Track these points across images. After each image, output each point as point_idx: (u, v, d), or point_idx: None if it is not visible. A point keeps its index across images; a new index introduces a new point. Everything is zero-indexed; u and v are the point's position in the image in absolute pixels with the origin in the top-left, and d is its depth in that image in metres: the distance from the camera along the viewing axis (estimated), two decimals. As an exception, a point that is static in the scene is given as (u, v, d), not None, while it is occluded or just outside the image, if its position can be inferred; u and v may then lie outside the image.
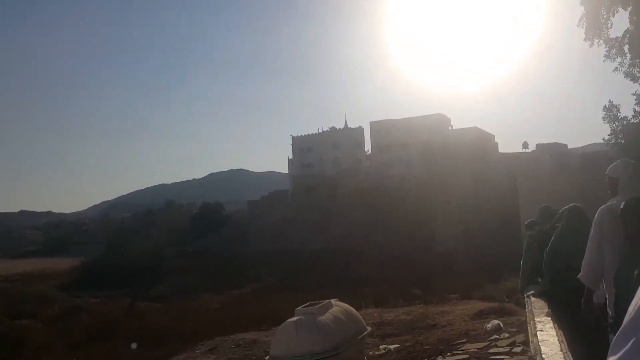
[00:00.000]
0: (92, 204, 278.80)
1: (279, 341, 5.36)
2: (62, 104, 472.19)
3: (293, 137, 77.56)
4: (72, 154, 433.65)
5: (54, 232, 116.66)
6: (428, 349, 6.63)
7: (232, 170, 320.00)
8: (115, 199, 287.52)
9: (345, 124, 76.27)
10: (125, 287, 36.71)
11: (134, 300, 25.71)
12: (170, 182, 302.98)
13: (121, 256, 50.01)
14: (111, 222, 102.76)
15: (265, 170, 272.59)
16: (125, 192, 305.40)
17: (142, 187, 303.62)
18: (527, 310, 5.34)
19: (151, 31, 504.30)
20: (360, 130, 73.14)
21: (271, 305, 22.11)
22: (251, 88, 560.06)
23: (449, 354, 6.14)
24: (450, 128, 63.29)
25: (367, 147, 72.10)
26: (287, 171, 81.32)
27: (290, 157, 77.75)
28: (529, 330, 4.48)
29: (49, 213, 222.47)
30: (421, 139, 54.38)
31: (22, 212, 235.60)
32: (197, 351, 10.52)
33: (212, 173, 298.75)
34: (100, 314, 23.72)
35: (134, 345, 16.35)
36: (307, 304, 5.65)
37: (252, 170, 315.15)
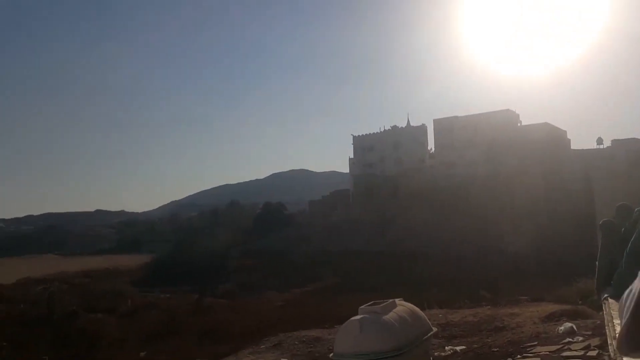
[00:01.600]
0: (162, 204, 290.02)
1: (342, 339, 5.31)
2: (135, 107, 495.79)
3: (354, 137, 77.36)
4: (143, 156, 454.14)
5: (126, 231, 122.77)
6: (497, 351, 6.39)
7: (293, 170, 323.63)
8: (182, 198, 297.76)
9: (408, 122, 75.17)
10: (192, 283, 37.99)
11: (201, 296, 26.53)
12: (234, 183, 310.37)
13: (189, 254, 51.81)
14: (179, 221, 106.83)
15: (327, 170, 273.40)
16: (192, 192, 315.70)
17: (208, 188, 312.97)
18: (604, 312, 5.04)
19: (218, 34, 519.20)
20: (423, 128, 71.89)
21: (333, 304, 22.15)
22: (313, 88, 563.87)
23: (519, 356, 5.89)
24: (518, 124, 60.95)
25: (430, 145, 70.83)
26: (348, 171, 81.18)
27: (352, 156, 77.57)
28: (608, 334, 4.21)
29: (122, 212, 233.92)
30: (487, 136, 52.82)
31: (98, 212, 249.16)
32: (262, 347, 10.67)
33: (274, 173, 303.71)
34: (169, 310, 24.61)
35: None
36: (371, 302, 5.57)
37: (314, 170, 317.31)
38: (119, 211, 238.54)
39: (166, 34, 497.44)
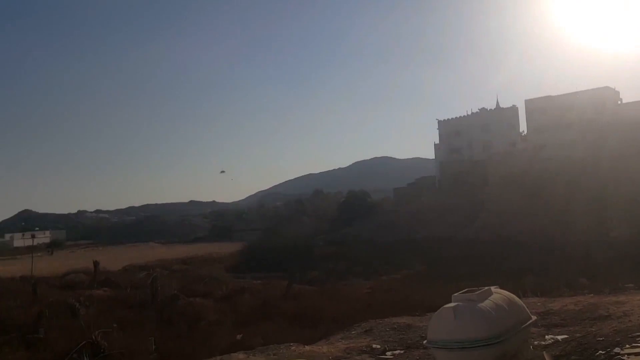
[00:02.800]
0: (249, 194, 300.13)
1: (436, 326, 5.24)
2: (220, 101, 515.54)
3: (439, 121, 75.46)
4: (231, 149, 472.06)
5: (218, 220, 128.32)
6: (602, 340, 6.00)
7: (376, 157, 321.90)
8: (269, 188, 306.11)
9: (497, 104, 72.08)
10: (280, 270, 39.08)
11: (290, 282, 27.26)
12: (317, 172, 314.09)
13: (276, 242, 53.31)
14: (266, 210, 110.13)
15: (411, 157, 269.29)
16: (277, 182, 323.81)
17: (292, 178, 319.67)
18: None
19: (300, 24, 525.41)
20: (513, 110, 68.64)
21: (422, 292, 21.89)
22: (396, 73, 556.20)
23: (627, 345, 5.50)
24: (619, 102, 56.54)
25: (522, 128, 67.59)
26: (433, 157, 79.44)
27: (437, 142, 75.77)
28: None
29: (213, 203, 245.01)
30: (584, 116, 49.52)
31: (192, 202, 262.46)
32: (353, 332, 10.76)
33: (357, 161, 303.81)
34: (261, 295, 25.53)
35: None
36: (465, 290, 5.43)
37: (397, 157, 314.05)
38: (210, 201, 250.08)
39: (248, 25, 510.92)
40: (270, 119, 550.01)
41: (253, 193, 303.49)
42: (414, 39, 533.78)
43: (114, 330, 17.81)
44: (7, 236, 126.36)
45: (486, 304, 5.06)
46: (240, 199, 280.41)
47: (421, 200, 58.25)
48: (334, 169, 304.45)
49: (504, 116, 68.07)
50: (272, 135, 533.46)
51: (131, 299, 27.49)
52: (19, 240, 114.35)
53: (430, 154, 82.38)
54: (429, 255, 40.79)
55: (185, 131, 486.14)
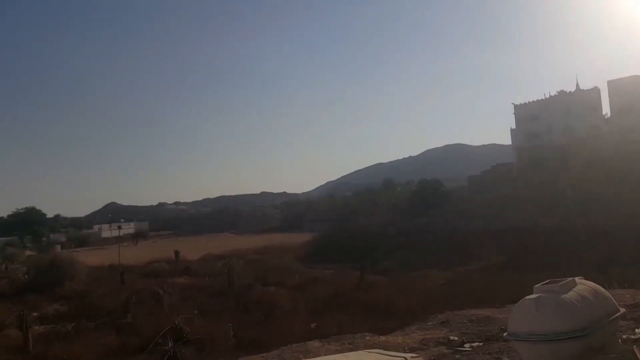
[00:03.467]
0: (319, 185, 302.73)
1: (517, 318, 5.06)
2: (292, 95, 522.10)
3: (515, 106, 72.33)
4: (301, 140, 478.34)
5: (289, 211, 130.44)
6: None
7: (449, 145, 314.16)
8: (338, 179, 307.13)
9: (577, 86, 68.05)
10: (352, 260, 39.10)
11: (363, 273, 27.25)
12: (386, 161, 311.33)
13: (347, 232, 53.41)
14: (336, 201, 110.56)
15: (485, 144, 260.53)
16: (346, 173, 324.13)
17: (361, 167, 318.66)
18: None
19: (366, 11, 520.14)
20: (595, 91, 64.58)
21: (501, 283, 21.20)
22: (467, 57, 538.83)
23: None
24: None
25: (605, 110, 63.51)
26: (509, 143, 76.36)
27: (513, 127, 72.75)
28: None
29: (284, 194, 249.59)
30: (676, 94, 45.62)
31: (263, 194, 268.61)
32: (428, 323, 10.62)
33: (429, 149, 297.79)
34: (333, 285, 25.73)
35: None
36: (547, 281, 5.21)
37: (471, 144, 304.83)
38: (281, 192, 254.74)
39: (315, 19, 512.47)
40: (340, 108, 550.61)
41: (322, 183, 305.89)
42: (488, 23, 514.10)
43: (195, 316, 18.62)
44: (96, 227, 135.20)
45: (570, 295, 4.83)
46: (310, 189, 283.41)
47: (497, 189, 56.21)
48: (404, 158, 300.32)
49: (585, 98, 64.22)
50: (341, 125, 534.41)
51: (210, 287, 28.64)
52: (107, 231, 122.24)
53: (506, 140, 79.39)
54: (507, 245, 39.34)
55: (257, 124, 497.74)
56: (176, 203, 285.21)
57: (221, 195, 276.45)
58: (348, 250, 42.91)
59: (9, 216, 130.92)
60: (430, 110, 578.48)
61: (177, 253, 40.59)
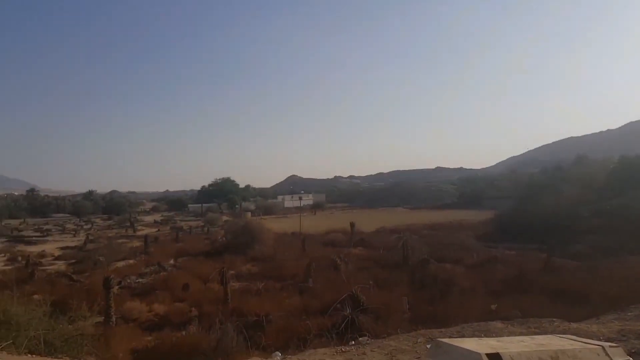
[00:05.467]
0: (500, 160, 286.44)
1: None
2: (473, 64, 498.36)
3: None
4: (480, 113, 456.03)
5: (466, 187, 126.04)
6: None
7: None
8: (522, 154, 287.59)
9: None
10: (536, 242, 36.28)
11: (550, 255, 25.06)
12: (580, 135, 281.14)
13: (531, 211, 49.62)
14: (519, 177, 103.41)
15: None
16: (531, 148, 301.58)
17: (549, 142, 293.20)
18: None
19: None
20: None
21: None
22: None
23: None
24: None
25: None
26: None
27: None
28: None
29: (460, 169, 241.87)
30: None
31: (438, 169, 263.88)
32: (628, 314, 9.43)
33: (631, 122, 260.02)
34: (515, 266, 24.13)
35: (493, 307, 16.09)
36: None
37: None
38: (457, 168, 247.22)
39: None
40: (529, 76, 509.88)
41: (504, 159, 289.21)
42: None
43: (371, 287, 19.02)
44: (279, 197, 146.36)
45: None
46: (490, 165, 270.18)
47: None
48: (600, 132, 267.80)
49: None
50: (527, 96, 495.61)
51: (384, 259, 29.03)
52: (289, 202, 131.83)
53: None
54: None
55: (435, 98, 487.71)
56: (351, 177, 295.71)
57: (395, 170, 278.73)
58: (533, 231, 39.88)
59: (209, 185, 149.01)
60: (634, 76, 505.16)
61: (352, 225, 41.90)
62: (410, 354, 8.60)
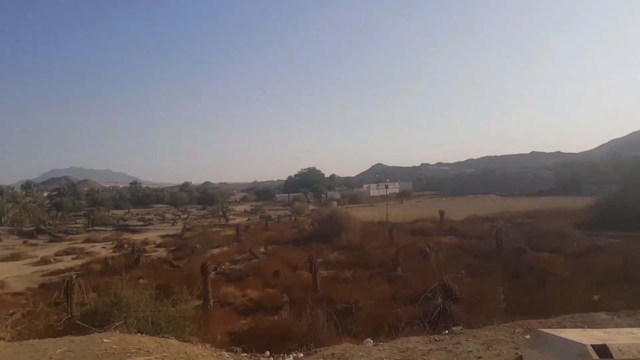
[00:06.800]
0: (601, 143, 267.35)
1: None
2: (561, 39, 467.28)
3: None
4: (577, 92, 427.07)
5: (564, 172, 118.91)
6: None
7: None
8: (625, 136, 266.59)
9: None
10: (643, 230, 33.48)
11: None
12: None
13: (637, 198, 45.80)
14: (624, 161, 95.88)
15: None
16: (636, 129, 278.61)
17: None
18: None
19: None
20: None
21: None
22: None
23: None
24: None
25: None
26: None
27: None
28: None
29: (557, 153, 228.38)
30: None
31: (533, 153, 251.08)
32: None
33: None
34: (620, 255, 22.48)
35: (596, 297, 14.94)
36: None
37: None
38: (554, 152, 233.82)
39: None
40: (634, 48, 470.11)
41: (606, 142, 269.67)
42: None
43: (463, 276, 18.54)
44: (365, 186, 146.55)
45: None
46: (590, 148, 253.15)
47: None
48: None
49: None
50: (633, 67, 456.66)
51: (476, 248, 28.14)
52: (374, 190, 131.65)
53: None
54: None
55: (524, 78, 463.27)
56: (438, 164, 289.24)
57: (485, 155, 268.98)
58: (638, 219, 36.83)
59: (295, 175, 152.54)
60: None
61: (442, 213, 40.99)
62: (507, 344, 8.31)
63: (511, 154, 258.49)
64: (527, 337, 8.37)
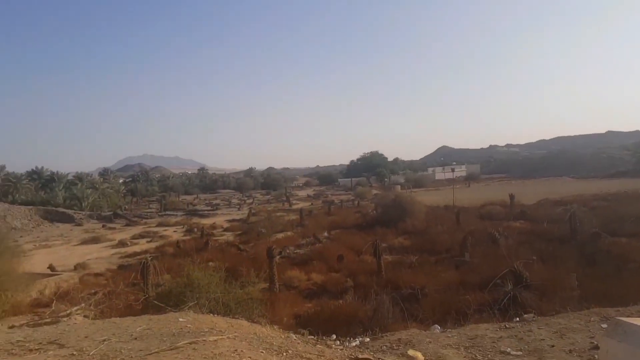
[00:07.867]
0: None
1: None
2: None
3: None
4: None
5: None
6: None
7: None
8: None
9: None
10: None
11: None
12: None
13: None
14: None
15: None
16: None
17: None
18: None
19: None
20: None
21: None
22: None
23: None
24: None
25: None
26: None
27: None
28: None
29: (636, 132, 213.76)
30: None
31: (609, 133, 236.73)
32: None
33: None
34: None
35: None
36: None
37: None
38: (632, 131, 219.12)
39: None
40: None
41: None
42: None
43: (534, 262, 17.90)
44: (430, 170, 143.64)
45: None
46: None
47: None
48: None
49: None
50: None
51: (549, 233, 27.03)
52: (440, 174, 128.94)
53: None
54: None
55: (599, 53, 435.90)
56: (508, 145, 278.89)
57: (558, 136, 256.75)
58: None
59: (358, 159, 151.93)
60: None
61: (512, 196, 39.64)
62: (582, 332, 7.97)
63: (586, 133, 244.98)
64: (604, 325, 7.99)
